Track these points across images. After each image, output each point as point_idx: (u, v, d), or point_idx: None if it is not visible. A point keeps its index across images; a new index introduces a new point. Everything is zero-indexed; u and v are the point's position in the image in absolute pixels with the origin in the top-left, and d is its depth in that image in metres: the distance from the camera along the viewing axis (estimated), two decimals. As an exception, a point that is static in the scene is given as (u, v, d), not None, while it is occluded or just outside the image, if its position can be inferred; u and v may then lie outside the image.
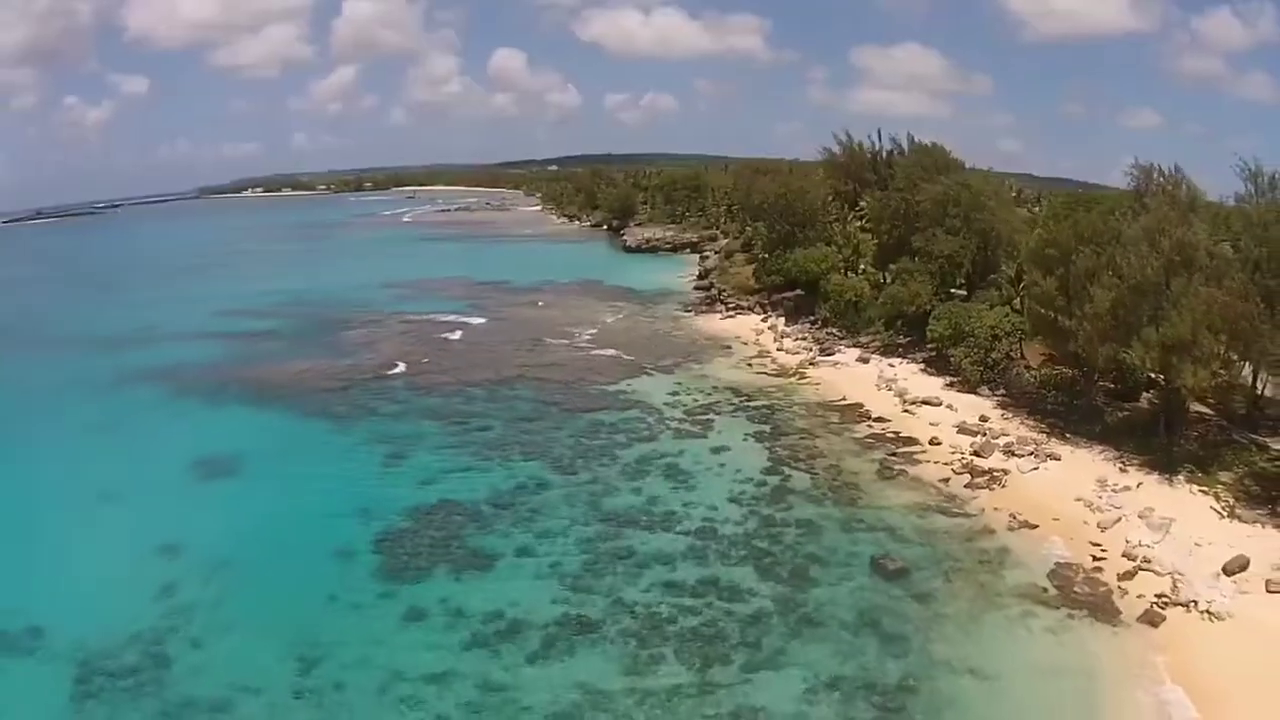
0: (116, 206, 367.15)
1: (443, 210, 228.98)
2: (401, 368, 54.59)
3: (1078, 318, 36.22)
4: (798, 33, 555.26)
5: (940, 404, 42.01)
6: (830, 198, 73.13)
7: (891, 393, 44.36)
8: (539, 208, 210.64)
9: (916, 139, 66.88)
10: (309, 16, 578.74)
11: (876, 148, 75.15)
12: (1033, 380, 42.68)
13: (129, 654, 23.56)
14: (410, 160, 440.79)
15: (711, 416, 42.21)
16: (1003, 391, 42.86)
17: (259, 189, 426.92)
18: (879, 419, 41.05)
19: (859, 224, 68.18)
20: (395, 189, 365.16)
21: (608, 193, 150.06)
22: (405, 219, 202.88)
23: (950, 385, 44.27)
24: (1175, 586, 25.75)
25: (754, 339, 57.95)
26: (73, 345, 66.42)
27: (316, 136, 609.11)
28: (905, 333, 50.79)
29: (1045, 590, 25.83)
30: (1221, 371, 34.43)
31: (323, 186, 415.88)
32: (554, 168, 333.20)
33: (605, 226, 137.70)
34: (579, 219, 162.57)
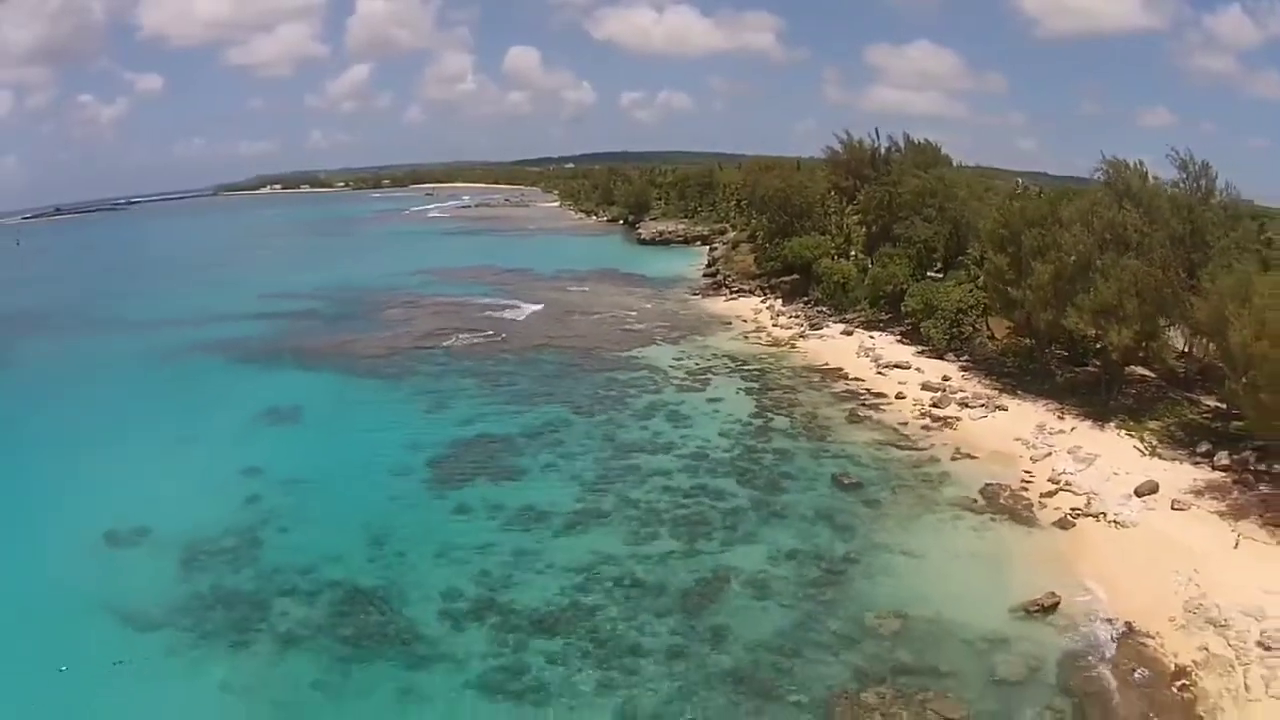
0: (134, 203, 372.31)
1: (463, 206, 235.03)
2: (437, 339, 61.10)
3: (1024, 289, 42.02)
4: (811, 31, 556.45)
5: (910, 368, 47.91)
6: (831, 192, 78.69)
7: (868, 359, 50.34)
8: (557, 204, 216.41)
9: (914, 137, 72.32)
10: (322, 15, 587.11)
11: (876, 145, 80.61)
12: (994, 349, 48.61)
13: (226, 540, 29.77)
14: (426, 158, 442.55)
15: (709, 376, 48.47)
16: (967, 358, 48.68)
17: (276, 186, 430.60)
18: (854, 379, 47.11)
19: (855, 216, 73.84)
20: (413, 186, 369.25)
21: (623, 189, 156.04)
22: (427, 215, 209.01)
23: (921, 353, 50.15)
24: (1089, 503, 31.30)
25: (753, 317, 64.04)
26: (132, 326, 72.67)
27: (332, 134, 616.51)
28: (886, 310, 56.75)
29: (975, 501, 31.64)
30: (1142, 332, 39.87)
31: (341, 184, 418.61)
32: (570, 165, 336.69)
33: (621, 221, 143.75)
34: (596, 214, 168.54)
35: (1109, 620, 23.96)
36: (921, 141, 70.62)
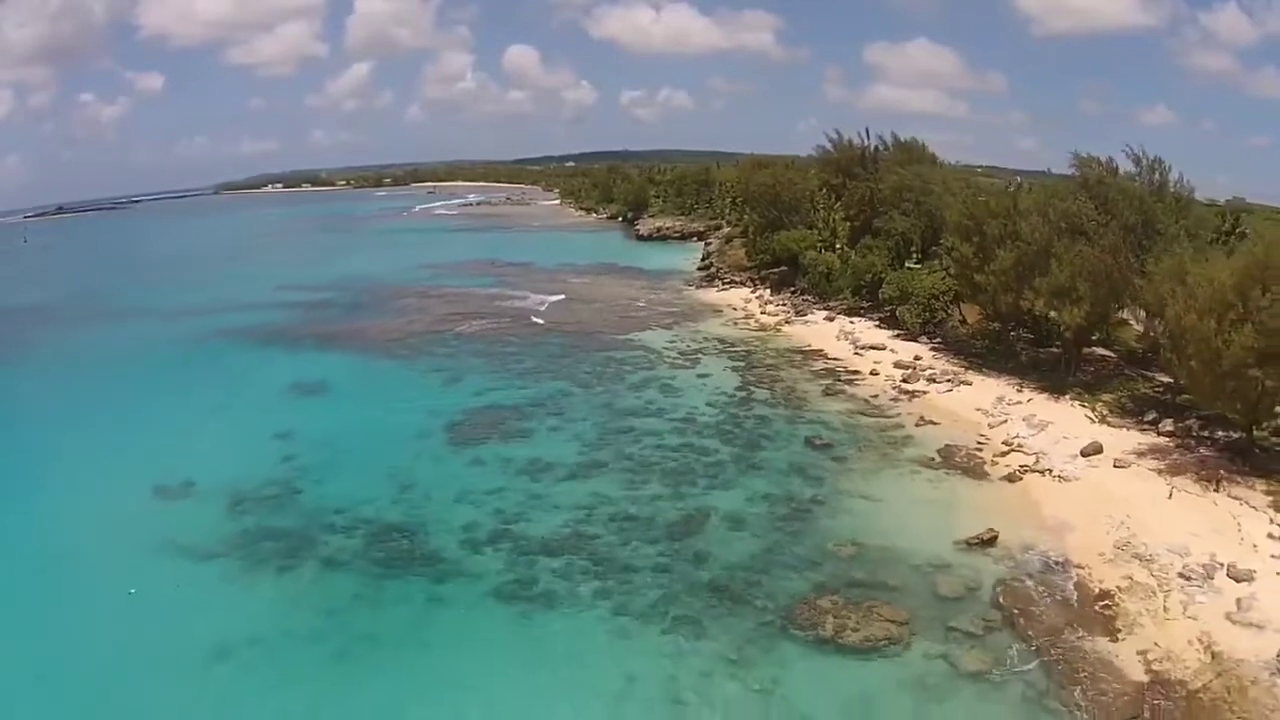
0: (136, 202, 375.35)
1: (465, 204, 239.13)
2: (447, 324, 65.17)
3: (988, 274, 46.03)
4: (809, 29, 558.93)
5: (885, 349, 51.90)
6: (821, 189, 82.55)
7: (847, 342, 54.35)
8: (558, 202, 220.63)
9: (901, 136, 76.35)
10: (322, 14, 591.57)
11: (866, 144, 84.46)
12: (965, 332, 52.63)
13: (266, 490, 33.75)
14: (427, 157, 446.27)
15: (699, 356, 52.57)
16: (939, 340, 52.70)
17: (278, 185, 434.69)
18: (833, 359, 51.13)
19: (841, 211, 77.74)
20: (415, 185, 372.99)
21: (623, 187, 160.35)
22: (430, 213, 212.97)
23: (897, 336, 54.17)
24: (1037, 461, 35.04)
25: (743, 305, 68.10)
26: (158, 315, 76.39)
27: (333, 133, 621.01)
28: (866, 297, 60.75)
29: (932, 459, 35.54)
30: (1093, 312, 43.64)
31: (343, 182, 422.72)
32: (571, 164, 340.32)
33: (620, 219, 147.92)
34: (596, 212, 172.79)
35: (1043, 554, 27.63)
36: (908, 140, 74.95)
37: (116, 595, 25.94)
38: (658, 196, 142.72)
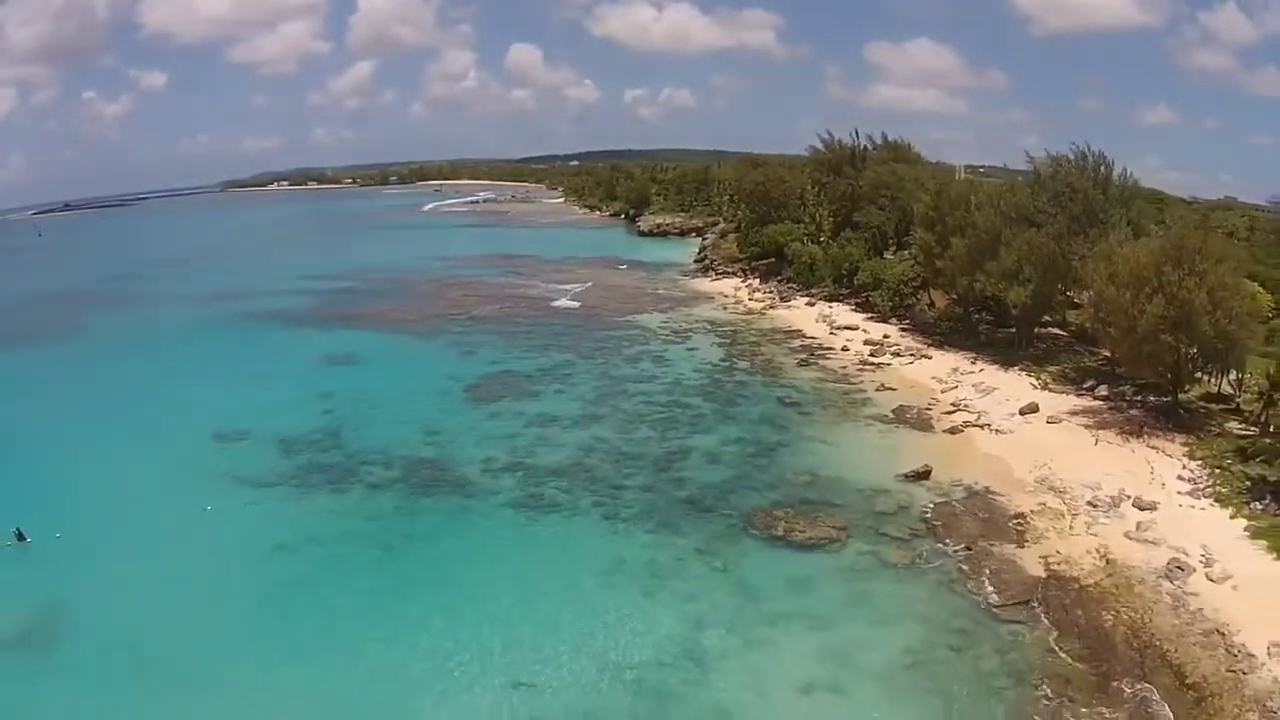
0: (143, 199, 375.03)
1: (472, 202, 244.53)
2: (462, 307, 71.19)
3: (946, 259, 51.58)
4: (810, 29, 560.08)
5: (858, 329, 57.54)
6: (812, 186, 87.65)
7: (825, 323, 60.02)
8: (562, 200, 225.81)
9: (890, 136, 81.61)
10: (324, 12, 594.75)
11: (856, 144, 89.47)
12: (933, 315, 58.19)
13: (312, 436, 39.69)
14: (431, 155, 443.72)
15: (690, 335, 58.46)
16: (908, 321, 58.25)
17: (284, 183, 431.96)
18: (810, 337, 56.85)
19: (827, 207, 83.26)
20: (420, 183, 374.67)
21: (626, 186, 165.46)
22: (439, 209, 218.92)
23: (870, 318, 59.78)
24: (979, 418, 40.53)
25: (733, 293, 73.86)
26: (190, 300, 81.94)
27: (336, 131, 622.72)
28: (845, 285, 66.34)
29: (886, 416, 41.16)
30: (1038, 292, 48.77)
31: (349, 180, 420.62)
32: (575, 163, 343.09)
33: (623, 216, 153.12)
34: (599, 209, 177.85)
35: (969, 485, 33.05)
36: (895, 140, 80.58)
37: (194, 512, 31.83)
38: (659, 194, 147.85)
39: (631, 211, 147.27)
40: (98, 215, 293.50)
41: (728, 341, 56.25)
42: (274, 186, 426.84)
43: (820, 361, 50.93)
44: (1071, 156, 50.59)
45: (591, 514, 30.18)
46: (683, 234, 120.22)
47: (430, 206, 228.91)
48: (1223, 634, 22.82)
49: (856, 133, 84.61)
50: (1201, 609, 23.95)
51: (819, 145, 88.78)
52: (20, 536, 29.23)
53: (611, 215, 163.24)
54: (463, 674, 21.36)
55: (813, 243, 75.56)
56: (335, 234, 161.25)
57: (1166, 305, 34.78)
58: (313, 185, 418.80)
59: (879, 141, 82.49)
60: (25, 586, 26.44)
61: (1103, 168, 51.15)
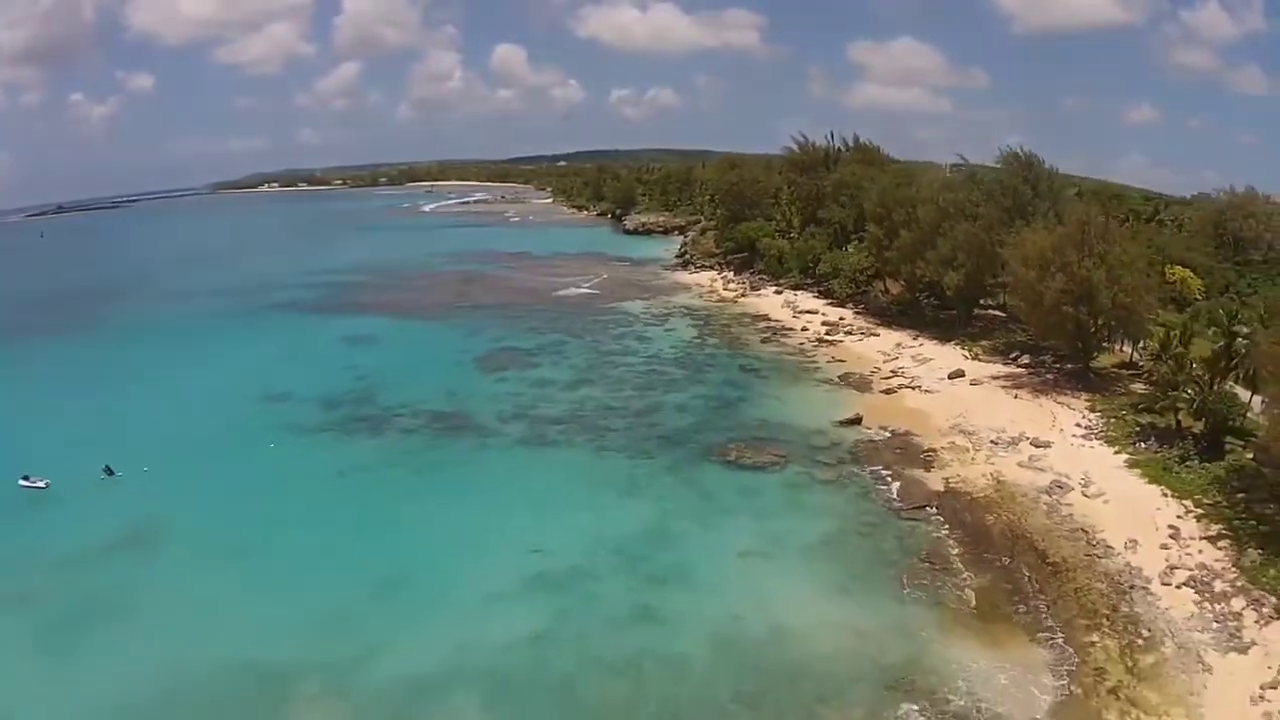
0: (135, 201, 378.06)
1: (463, 202, 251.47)
2: (464, 297, 78.80)
3: (893, 249, 59.24)
4: (793, 28, 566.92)
5: (818, 313, 65.17)
6: (787, 186, 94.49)
7: (789, 309, 67.71)
8: (550, 200, 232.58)
9: (862, 139, 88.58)
10: (309, 13, 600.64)
11: (830, 146, 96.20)
12: (886, 301, 65.80)
13: (347, 395, 47.21)
14: (419, 155, 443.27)
15: (668, 318, 66.23)
16: (863, 306, 65.86)
17: (274, 184, 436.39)
18: (774, 320, 64.54)
19: (797, 205, 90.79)
20: (410, 184, 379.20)
21: (612, 186, 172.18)
22: (431, 210, 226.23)
23: (830, 304, 67.40)
24: (912, 382, 48.04)
25: (709, 284, 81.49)
26: (207, 294, 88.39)
27: (324, 132, 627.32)
28: (810, 275, 74.04)
29: (833, 380, 48.78)
30: (970, 276, 56.11)
31: (339, 181, 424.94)
32: (563, 163, 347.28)
33: (609, 215, 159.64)
34: (586, 209, 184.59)
35: (894, 429, 40.49)
36: (865, 142, 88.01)
37: (261, 448, 39.46)
38: (645, 194, 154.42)
39: (618, 211, 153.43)
40: (93, 217, 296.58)
41: (701, 324, 63.94)
42: (265, 188, 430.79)
43: (781, 339, 58.60)
44: (1018, 156, 58.70)
45: (584, 448, 37.89)
46: (666, 232, 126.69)
47: (421, 205, 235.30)
48: (1086, 531, 28.62)
49: (832, 134, 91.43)
50: (1072, 514, 29.86)
51: (794, 147, 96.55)
52: (109, 472, 35.83)
53: (598, 215, 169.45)
54: (492, 543, 28.98)
55: (783, 238, 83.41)
56: (336, 234, 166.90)
57: (1067, 282, 41.00)
58: (303, 186, 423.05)
59: (853, 144, 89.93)
60: (125, 505, 33.38)
61: (1033, 167, 59.03)
